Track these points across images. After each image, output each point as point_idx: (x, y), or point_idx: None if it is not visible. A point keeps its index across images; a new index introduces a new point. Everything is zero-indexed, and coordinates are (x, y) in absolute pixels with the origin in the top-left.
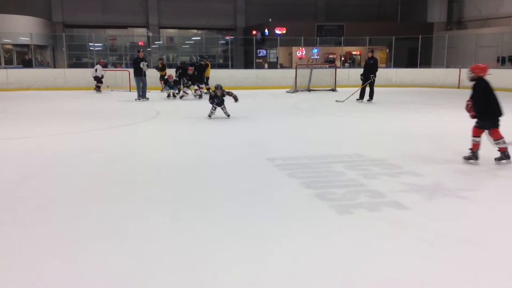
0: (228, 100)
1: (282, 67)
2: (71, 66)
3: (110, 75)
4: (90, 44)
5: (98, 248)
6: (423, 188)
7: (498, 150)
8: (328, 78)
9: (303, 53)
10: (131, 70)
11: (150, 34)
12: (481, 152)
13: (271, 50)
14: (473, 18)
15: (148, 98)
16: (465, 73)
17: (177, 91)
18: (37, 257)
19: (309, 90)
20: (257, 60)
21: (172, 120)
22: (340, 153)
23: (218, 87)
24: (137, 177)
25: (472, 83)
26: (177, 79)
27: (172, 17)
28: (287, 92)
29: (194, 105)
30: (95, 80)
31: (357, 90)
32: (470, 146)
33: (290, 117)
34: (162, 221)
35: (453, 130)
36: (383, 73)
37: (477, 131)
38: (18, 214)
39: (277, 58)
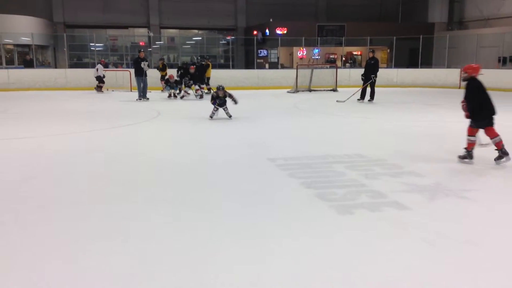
0: (228, 101)
1: (283, 67)
2: (72, 66)
3: (111, 75)
4: (91, 44)
5: (100, 248)
6: (424, 188)
7: (496, 149)
8: (329, 78)
9: (304, 53)
10: (132, 70)
11: (151, 34)
12: (481, 152)
13: (272, 50)
14: (474, 18)
15: (148, 98)
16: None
17: (178, 91)
18: (38, 257)
19: (310, 90)
20: (258, 60)
21: (173, 120)
22: (341, 153)
23: (220, 88)
24: (138, 177)
25: (465, 83)
26: (178, 79)
27: (173, 17)
28: (288, 92)
29: (195, 105)
30: (97, 80)
31: (358, 90)
32: (465, 145)
33: (291, 117)
34: (163, 221)
35: (454, 130)
36: (384, 73)
37: (472, 131)
38: (20, 214)
39: (278, 58)
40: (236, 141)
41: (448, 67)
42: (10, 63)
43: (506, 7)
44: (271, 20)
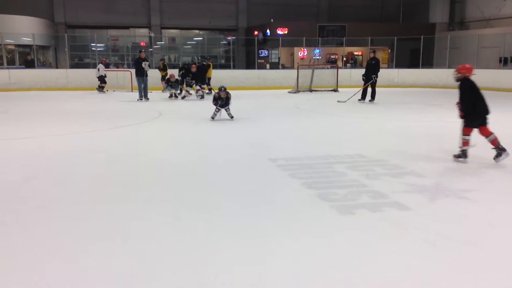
0: (234, 100)
1: (283, 67)
2: (73, 66)
3: (112, 75)
4: (92, 44)
5: (100, 248)
6: (424, 188)
7: (493, 148)
8: (330, 79)
9: (305, 54)
10: (133, 71)
11: (152, 34)
12: (481, 153)
13: (273, 50)
14: (475, 18)
15: (148, 99)
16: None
17: (179, 91)
18: (39, 257)
19: (311, 91)
20: (259, 61)
21: (174, 121)
22: (342, 153)
23: (222, 88)
24: (139, 178)
25: (458, 83)
26: (179, 78)
27: (174, 17)
28: (288, 92)
29: (196, 105)
30: (99, 80)
31: (359, 90)
32: (460, 144)
33: (292, 117)
34: (164, 221)
35: (455, 130)
36: (385, 74)
37: (466, 130)
38: (21, 214)
39: (278, 58)
40: (236, 142)
41: (449, 67)
42: (11, 63)
43: (507, 7)
44: (272, 20)
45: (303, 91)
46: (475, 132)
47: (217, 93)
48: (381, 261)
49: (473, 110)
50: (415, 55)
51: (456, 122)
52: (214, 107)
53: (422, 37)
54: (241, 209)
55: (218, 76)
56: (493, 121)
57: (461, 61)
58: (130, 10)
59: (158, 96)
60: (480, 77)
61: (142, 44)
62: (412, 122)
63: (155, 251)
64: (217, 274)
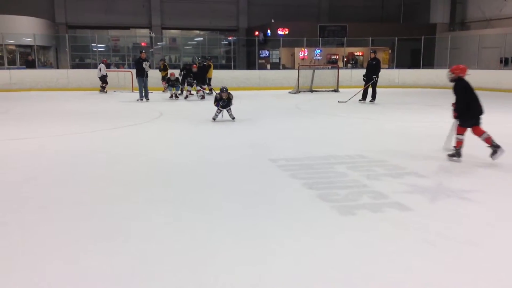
0: (235, 101)
1: (284, 68)
2: (74, 66)
3: (113, 75)
4: (93, 45)
5: (101, 248)
6: (425, 189)
7: (488, 146)
8: (331, 79)
9: (306, 54)
10: (134, 71)
11: (153, 35)
12: (481, 153)
13: (274, 51)
14: (476, 19)
15: (149, 99)
16: (469, 74)
17: (179, 91)
18: (40, 257)
19: (312, 91)
20: (260, 61)
21: (175, 121)
22: (342, 154)
23: (224, 89)
24: (139, 178)
25: (452, 84)
26: (180, 77)
27: (174, 18)
28: (289, 93)
29: (196, 106)
30: (100, 80)
31: (360, 91)
32: (454, 144)
33: (293, 117)
34: (164, 221)
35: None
36: (385, 74)
37: (460, 130)
38: (21, 215)
39: (279, 59)
40: (237, 142)
41: (450, 68)
42: (12, 63)
43: (508, 8)
44: (272, 20)
45: (304, 91)
46: (473, 132)
47: (219, 94)
48: (382, 261)
49: (467, 110)
50: (415, 56)
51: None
52: (215, 108)
53: (422, 37)
54: (242, 209)
55: (219, 77)
56: (494, 122)
57: (462, 62)
58: (131, 11)
59: (158, 96)
60: (480, 77)
61: (142, 44)
62: (413, 122)
63: (156, 251)
64: (218, 274)
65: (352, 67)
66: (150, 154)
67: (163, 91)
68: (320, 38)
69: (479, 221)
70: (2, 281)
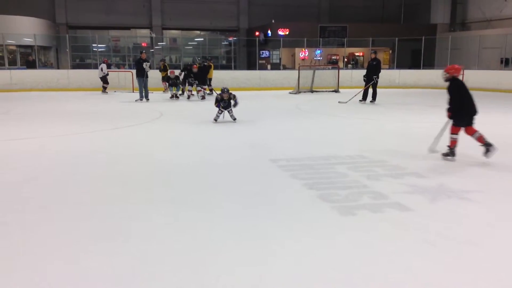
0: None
1: (285, 68)
2: (74, 67)
3: (113, 76)
4: (93, 45)
5: (101, 248)
6: (425, 189)
7: (480, 145)
8: (331, 79)
9: (306, 54)
10: (134, 71)
11: (153, 35)
12: (480, 154)
13: (274, 51)
14: (476, 19)
15: (148, 99)
16: (468, 74)
17: (180, 92)
18: (40, 258)
19: (312, 91)
20: (260, 61)
21: (175, 121)
22: (343, 154)
23: (225, 90)
24: (139, 178)
25: (447, 83)
26: (181, 75)
27: (175, 18)
28: (289, 93)
29: (197, 106)
30: (101, 80)
31: (360, 91)
32: (448, 143)
33: (293, 118)
34: (164, 222)
35: None
36: (386, 74)
37: (454, 129)
38: (22, 215)
39: (280, 59)
40: (237, 142)
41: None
42: (12, 64)
43: (508, 8)
44: (273, 21)
45: (304, 91)
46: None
47: (220, 94)
48: (382, 261)
49: (461, 109)
50: (416, 56)
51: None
52: (216, 108)
53: (423, 37)
54: (242, 210)
55: (219, 77)
56: (494, 122)
57: (462, 62)
58: (131, 11)
59: (159, 96)
60: (481, 78)
61: (143, 44)
62: (413, 123)
63: (156, 252)
64: (218, 275)
65: (353, 68)
66: (151, 154)
67: (164, 91)
68: (321, 39)
69: (479, 221)
70: (3, 281)
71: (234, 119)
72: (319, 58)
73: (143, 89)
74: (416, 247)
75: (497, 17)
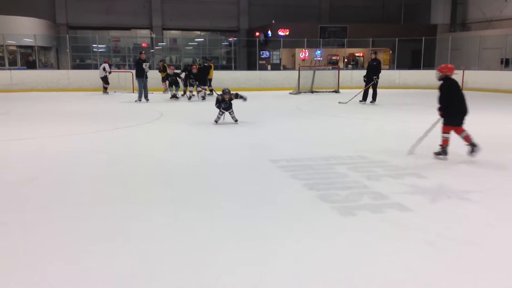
0: (236, 102)
1: (285, 68)
2: (74, 67)
3: (114, 76)
4: (93, 45)
5: (101, 248)
6: (426, 190)
7: (466, 144)
8: (331, 80)
9: (306, 55)
10: (134, 72)
11: (154, 35)
12: (480, 154)
13: (274, 51)
14: (476, 20)
15: (148, 100)
16: (469, 74)
17: (181, 93)
18: (40, 258)
19: (312, 92)
20: (260, 62)
21: (175, 122)
22: (343, 154)
23: (226, 91)
24: (140, 178)
25: (440, 82)
26: (182, 74)
27: (175, 18)
28: (290, 93)
29: (197, 106)
30: (102, 80)
31: (360, 91)
32: (440, 142)
33: (293, 118)
34: (165, 222)
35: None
36: (386, 75)
37: (445, 128)
38: (22, 215)
39: (280, 59)
40: (238, 143)
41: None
42: (13, 64)
43: (508, 9)
44: (273, 21)
45: (304, 92)
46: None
47: (221, 95)
48: (382, 261)
49: (452, 109)
50: (416, 56)
51: None
52: (217, 109)
53: (423, 38)
54: (242, 210)
55: (220, 77)
56: (494, 123)
57: (463, 62)
58: (131, 11)
59: (159, 97)
60: (481, 78)
61: (143, 45)
62: (414, 123)
63: (156, 252)
64: (218, 275)
65: (353, 68)
66: (151, 154)
67: (164, 92)
68: (321, 39)
69: (479, 221)
70: (3, 281)
71: (236, 120)
72: (319, 58)
73: (143, 90)
74: (416, 247)
75: (497, 18)
